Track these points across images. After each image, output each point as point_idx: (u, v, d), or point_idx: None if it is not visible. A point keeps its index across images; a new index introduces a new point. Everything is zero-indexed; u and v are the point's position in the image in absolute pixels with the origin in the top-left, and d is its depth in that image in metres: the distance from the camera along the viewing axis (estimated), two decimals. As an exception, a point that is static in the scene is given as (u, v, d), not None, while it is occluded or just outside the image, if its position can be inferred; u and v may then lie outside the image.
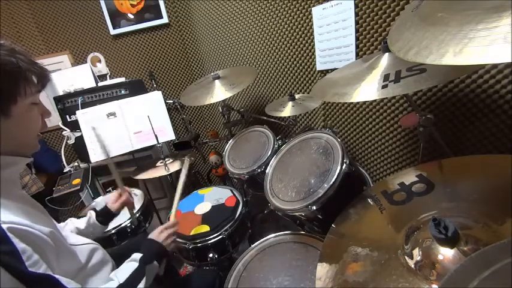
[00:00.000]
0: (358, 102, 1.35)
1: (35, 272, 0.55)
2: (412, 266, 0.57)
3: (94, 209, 1.09)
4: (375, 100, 1.26)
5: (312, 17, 1.39)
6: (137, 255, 0.80)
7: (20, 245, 0.55)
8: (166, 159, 1.59)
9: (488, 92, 0.91)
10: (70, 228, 0.98)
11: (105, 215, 1.07)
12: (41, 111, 0.70)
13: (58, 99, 1.87)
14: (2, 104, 0.60)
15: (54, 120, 2.16)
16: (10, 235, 0.54)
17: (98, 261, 0.83)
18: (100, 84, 2.00)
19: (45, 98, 2.19)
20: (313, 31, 1.42)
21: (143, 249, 0.83)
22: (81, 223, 1.01)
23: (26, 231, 0.58)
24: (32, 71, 0.64)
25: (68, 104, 1.87)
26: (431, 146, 1.04)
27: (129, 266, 0.77)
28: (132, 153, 1.75)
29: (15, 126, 0.63)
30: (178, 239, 1.18)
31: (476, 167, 0.76)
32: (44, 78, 0.68)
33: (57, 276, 0.58)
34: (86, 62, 2.20)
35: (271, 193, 1.05)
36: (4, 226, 0.54)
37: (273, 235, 1.07)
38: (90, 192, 1.92)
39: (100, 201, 1.64)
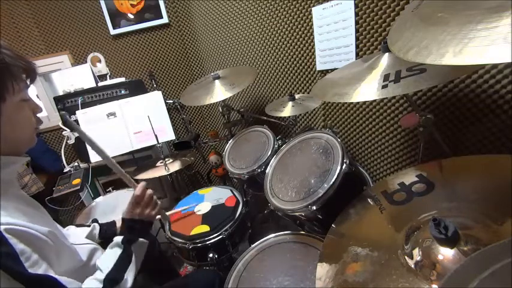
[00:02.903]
0: (358, 102, 1.35)
1: (35, 273, 0.55)
2: (412, 266, 0.57)
3: (97, 221, 1.07)
4: (374, 100, 1.26)
5: (312, 17, 1.39)
6: (118, 238, 0.77)
7: (18, 246, 0.54)
8: (166, 159, 1.59)
9: (488, 92, 0.91)
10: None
11: (109, 235, 1.02)
12: (31, 107, 0.69)
13: (58, 99, 1.87)
14: None
15: (54, 120, 2.17)
16: (8, 236, 0.54)
17: None
18: (100, 84, 2.01)
19: (45, 98, 2.19)
20: (313, 31, 1.42)
21: (122, 231, 0.80)
22: (83, 233, 0.99)
23: (24, 231, 0.57)
24: (19, 66, 0.62)
25: (68, 104, 1.87)
26: (431, 146, 1.04)
27: (113, 252, 0.74)
28: (132, 153, 1.75)
29: (8, 125, 0.61)
30: (177, 239, 1.18)
31: (476, 167, 0.76)
32: (31, 72, 0.66)
33: (57, 276, 0.58)
34: (86, 62, 2.20)
35: (271, 193, 1.05)
36: (2, 228, 0.54)
37: (273, 235, 1.07)
38: (90, 192, 1.92)
39: (100, 202, 1.64)
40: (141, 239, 0.78)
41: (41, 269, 0.57)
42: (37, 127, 0.72)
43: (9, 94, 0.60)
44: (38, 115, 0.73)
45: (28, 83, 0.66)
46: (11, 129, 0.63)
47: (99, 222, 1.10)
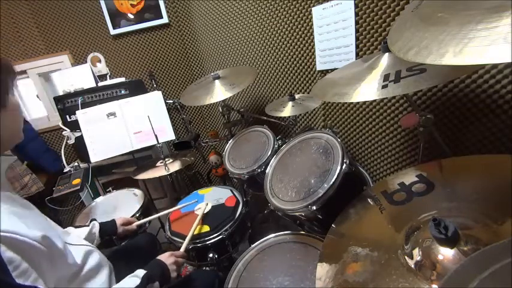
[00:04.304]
0: (358, 102, 1.35)
1: (22, 284, 0.53)
2: (412, 266, 0.57)
3: (96, 220, 1.10)
4: (374, 100, 1.26)
5: (312, 17, 1.39)
6: (141, 272, 0.79)
7: (6, 253, 0.52)
8: (166, 159, 1.59)
9: (488, 92, 0.91)
10: None
11: (108, 233, 1.08)
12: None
13: (58, 99, 1.87)
14: (1, 95, 0.62)
15: (54, 120, 2.17)
16: None
17: (94, 264, 0.81)
18: (100, 84, 2.01)
19: (45, 98, 2.20)
20: (313, 31, 1.42)
21: (148, 267, 0.82)
22: (82, 233, 1.00)
23: (14, 239, 0.55)
24: (11, 65, 0.67)
25: (68, 104, 1.87)
26: (431, 146, 1.04)
27: (131, 281, 0.76)
28: (132, 153, 1.75)
29: (10, 117, 0.65)
30: (177, 239, 1.19)
31: (476, 167, 0.76)
32: (11, 67, 0.69)
33: None
34: (86, 62, 2.20)
35: (271, 193, 1.05)
36: None
37: (273, 235, 1.07)
38: (90, 192, 1.92)
39: (100, 202, 1.65)
40: (156, 283, 0.79)
41: (30, 280, 0.54)
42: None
43: (11, 90, 0.65)
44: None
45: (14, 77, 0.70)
46: (12, 120, 0.66)
47: (99, 221, 1.10)
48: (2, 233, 0.54)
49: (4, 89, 0.63)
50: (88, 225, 1.06)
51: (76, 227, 1.05)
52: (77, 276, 0.74)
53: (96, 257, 0.84)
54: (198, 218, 1.21)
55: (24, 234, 0.58)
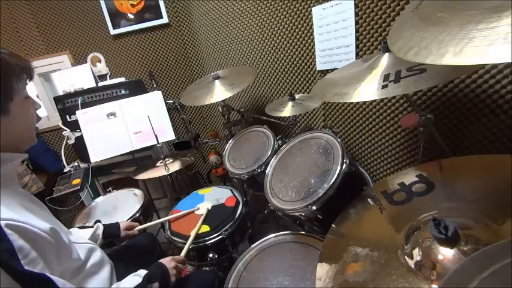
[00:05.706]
0: (358, 102, 1.35)
1: (31, 271, 0.55)
2: (412, 266, 0.57)
3: (100, 221, 1.11)
4: (374, 100, 1.26)
5: (312, 17, 1.39)
6: (142, 272, 0.81)
7: (17, 242, 0.54)
8: (166, 159, 1.59)
9: (488, 92, 0.91)
10: None
11: (111, 236, 1.09)
12: (32, 104, 0.71)
13: (58, 99, 1.87)
14: (0, 103, 0.61)
15: (54, 120, 2.17)
16: (8, 232, 0.54)
17: (97, 261, 0.83)
18: (100, 84, 2.01)
19: (45, 98, 2.19)
20: (313, 31, 1.42)
21: (150, 268, 0.84)
22: (86, 234, 1.02)
23: (25, 228, 0.57)
24: (18, 65, 0.65)
25: (68, 104, 1.87)
26: (431, 146, 1.04)
27: (133, 280, 0.78)
28: (132, 153, 1.75)
29: (15, 123, 0.64)
30: (177, 239, 1.19)
31: (476, 167, 0.76)
32: (30, 70, 0.69)
33: (52, 276, 0.58)
34: (86, 62, 2.20)
35: (271, 193, 1.05)
36: (2, 223, 0.54)
37: (273, 235, 1.07)
38: (90, 192, 1.92)
39: (100, 202, 1.65)
40: (156, 283, 0.80)
41: (38, 268, 0.56)
42: (36, 125, 0.74)
43: (15, 93, 0.64)
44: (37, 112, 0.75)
45: (28, 81, 0.69)
46: (18, 126, 0.66)
47: (102, 223, 1.11)
48: (14, 222, 0.56)
49: (5, 94, 0.61)
50: (92, 227, 1.07)
51: (81, 227, 1.06)
52: (80, 271, 0.75)
53: (98, 254, 0.86)
54: (200, 222, 1.21)
55: (35, 225, 0.60)
